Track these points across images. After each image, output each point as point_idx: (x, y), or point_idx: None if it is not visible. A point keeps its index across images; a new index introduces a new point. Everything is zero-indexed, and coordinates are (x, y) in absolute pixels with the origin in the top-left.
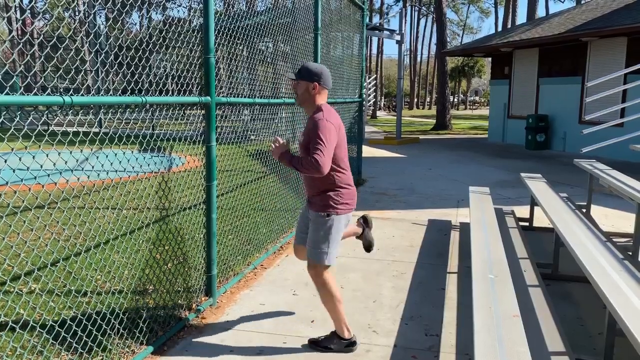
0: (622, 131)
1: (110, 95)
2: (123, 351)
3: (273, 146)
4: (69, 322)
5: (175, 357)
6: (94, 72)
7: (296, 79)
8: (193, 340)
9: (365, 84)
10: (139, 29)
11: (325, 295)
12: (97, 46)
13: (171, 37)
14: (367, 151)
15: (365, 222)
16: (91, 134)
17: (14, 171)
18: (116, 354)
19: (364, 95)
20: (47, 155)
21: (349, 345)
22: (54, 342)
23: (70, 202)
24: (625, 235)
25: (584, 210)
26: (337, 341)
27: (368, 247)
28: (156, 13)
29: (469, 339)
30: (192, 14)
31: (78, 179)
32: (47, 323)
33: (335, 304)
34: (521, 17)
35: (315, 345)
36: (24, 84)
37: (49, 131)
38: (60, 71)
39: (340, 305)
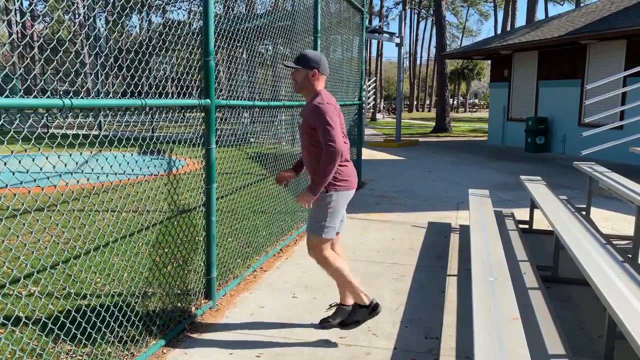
0: (621, 133)
1: (110, 97)
2: (122, 354)
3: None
4: (68, 324)
5: None
6: (93, 74)
7: (295, 67)
8: (192, 342)
9: (364, 86)
10: (138, 32)
11: (331, 270)
12: (97, 49)
13: (171, 39)
14: (367, 154)
15: (373, 309)
16: (91, 136)
17: (13, 174)
18: (115, 357)
19: (364, 98)
20: (46, 158)
21: (372, 311)
22: (54, 345)
23: (70, 204)
24: (625, 237)
25: (584, 213)
26: (359, 311)
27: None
28: (156, 16)
29: (468, 341)
30: (191, 16)
31: (78, 181)
32: (46, 326)
33: (343, 274)
34: (520, 20)
35: (344, 325)
36: (24, 87)
37: (49, 134)
38: (60, 74)
39: (349, 274)
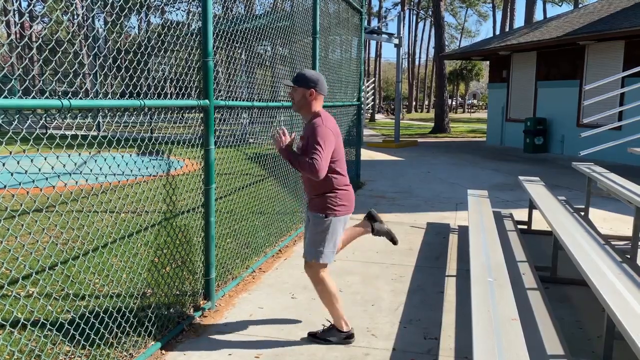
0: (620, 134)
1: (109, 98)
2: (121, 355)
3: (278, 134)
4: (66, 326)
5: None
6: (92, 75)
7: (293, 86)
8: (191, 343)
9: (363, 87)
10: (137, 33)
11: (323, 293)
12: (96, 49)
13: (170, 40)
14: (366, 154)
15: (371, 218)
16: (89, 137)
17: (12, 174)
18: (114, 358)
19: (363, 99)
20: (45, 159)
21: (347, 337)
22: (52, 346)
23: (69, 205)
24: (623, 238)
25: (582, 214)
26: (336, 334)
27: (390, 240)
28: (155, 16)
29: (467, 342)
30: (190, 17)
31: (76, 182)
32: (45, 327)
33: (332, 300)
34: (519, 21)
35: (314, 337)
36: (22, 87)
37: (47, 134)
38: (59, 74)
39: (337, 301)
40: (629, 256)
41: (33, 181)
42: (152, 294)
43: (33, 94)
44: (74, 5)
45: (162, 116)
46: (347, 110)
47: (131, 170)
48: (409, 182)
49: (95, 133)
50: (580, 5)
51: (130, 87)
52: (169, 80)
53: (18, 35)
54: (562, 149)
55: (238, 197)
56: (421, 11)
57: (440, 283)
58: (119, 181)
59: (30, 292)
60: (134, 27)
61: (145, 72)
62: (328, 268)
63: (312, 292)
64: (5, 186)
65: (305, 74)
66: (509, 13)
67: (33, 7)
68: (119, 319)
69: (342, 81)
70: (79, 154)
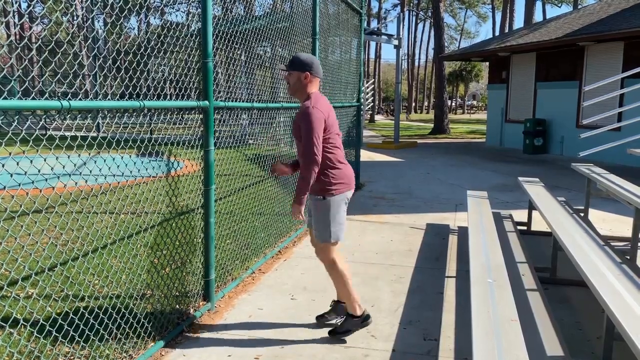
0: (619, 135)
1: (109, 99)
2: (121, 356)
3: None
4: (66, 327)
5: None
6: (92, 76)
7: (288, 70)
8: (191, 344)
9: (363, 88)
10: (137, 34)
11: (336, 275)
12: (95, 50)
13: (169, 41)
14: (365, 155)
15: (365, 319)
16: (89, 138)
17: (11, 175)
18: (113, 359)
19: (362, 100)
20: (44, 160)
21: (364, 320)
22: (52, 347)
23: (68, 206)
24: (623, 239)
25: (582, 214)
26: (352, 322)
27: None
28: (154, 18)
29: (467, 343)
30: (190, 18)
31: (76, 183)
32: (44, 328)
33: (345, 282)
34: (518, 22)
35: (335, 334)
36: (22, 88)
37: (47, 135)
38: (59, 75)
39: (350, 284)
40: (628, 257)
41: (32, 182)
42: (152, 295)
43: (33, 95)
44: (74, 6)
45: (161, 117)
46: (346, 111)
47: (131, 172)
48: (409, 183)
49: (94, 134)
50: (579, 6)
51: (130, 88)
52: (168, 81)
53: (18, 36)
54: (562, 150)
55: (238, 198)
56: (421, 12)
57: (440, 284)
58: (119, 182)
59: (30, 293)
60: (134, 28)
61: (145, 73)
62: (340, 253)
63: (312, 293)
64: (4, 187)
65: (300, 57)
66: (508, 14)
67: (33, 8)
68: (119, 320)
69: (341, 82)
70: (79, 155)
